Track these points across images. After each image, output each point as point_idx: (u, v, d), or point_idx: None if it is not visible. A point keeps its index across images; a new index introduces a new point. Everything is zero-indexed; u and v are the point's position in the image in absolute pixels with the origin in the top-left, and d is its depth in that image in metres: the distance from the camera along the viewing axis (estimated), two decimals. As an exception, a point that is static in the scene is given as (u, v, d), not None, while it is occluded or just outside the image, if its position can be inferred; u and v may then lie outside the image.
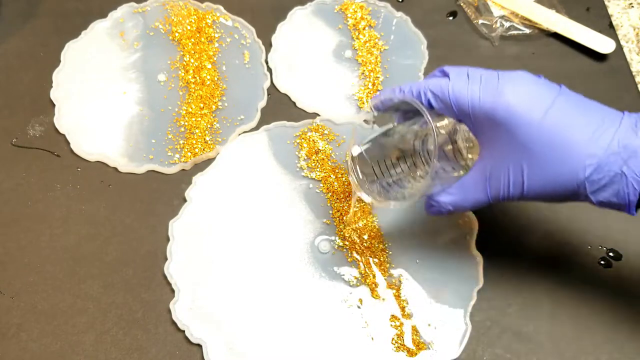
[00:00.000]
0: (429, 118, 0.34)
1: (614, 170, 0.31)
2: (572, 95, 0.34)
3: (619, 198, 0.32)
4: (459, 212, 0.37)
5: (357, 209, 0.45)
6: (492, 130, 0.34)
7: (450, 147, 0.37)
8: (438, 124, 0.36)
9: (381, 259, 0.43)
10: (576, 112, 0.32)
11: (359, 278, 0.43)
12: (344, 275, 0.43)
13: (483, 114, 0.33)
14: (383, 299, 0.42)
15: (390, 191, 0.39)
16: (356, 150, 0.39)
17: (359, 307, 0.42)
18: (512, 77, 0.34)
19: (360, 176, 0.39)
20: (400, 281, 0.42)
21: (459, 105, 0.34)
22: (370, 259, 0.43)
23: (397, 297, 0.42)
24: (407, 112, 0.39)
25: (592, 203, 0.33)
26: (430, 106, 0.35)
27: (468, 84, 0.34)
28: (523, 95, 0.33)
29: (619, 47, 0.54)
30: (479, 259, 0.43)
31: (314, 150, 0.48)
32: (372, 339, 0.40)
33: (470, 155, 0.37)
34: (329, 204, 0.46)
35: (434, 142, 0.33)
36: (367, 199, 0.39)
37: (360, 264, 0.43)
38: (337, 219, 0.45)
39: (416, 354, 0.40)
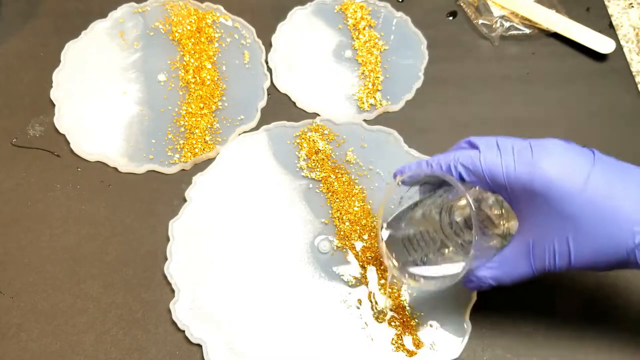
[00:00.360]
0: (462, 189, 0.33)
1: None
2: (607, 159, 0.33)
3: None
4: (500, 286, 0.36)
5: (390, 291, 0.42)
6: (530, 201, 0.33)
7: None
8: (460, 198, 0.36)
9: (381, 259, 0.43)
10: (615, 178, 0.32)
11: (359, 278, 0.43)
12: (343, 275, 0.43)
13: (520, 185, 0.33)
14: (384, 293, 0.42)
15: (430, 269, 0.38)
16: (385, 234, 0.38)
17: (357, 308, 0.42)
18: (545, 146, 0.33)
19: (394, 259, 0.38)
20: (401, 281, 0.42)
21: (493, 177, 0.34)
22: (370, 259, 0.43)
23: (397, 297, 0.42)
24: (432, 184, 0.38)
25: None
26: (461, 179, 0.35)
27: (500, 156, 0.33)
28: (560, 165, 0.32)
29: (619, 47, 0.54)
30: (479, 259, 0.43)
31: (314, 150, 0.48)
32: (372, 339, 0.40)
33: (505, 223, 0.36)
34: (328, 204, 0.46)
35: (474, 217, 0.32)
36: (407, 282, 0.39)
37: (360, 265, 0.43)
38: (337, 218, 0.45)
39: (416, 354, 0.40)
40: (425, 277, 0.37)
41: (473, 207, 0.32)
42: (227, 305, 0.41)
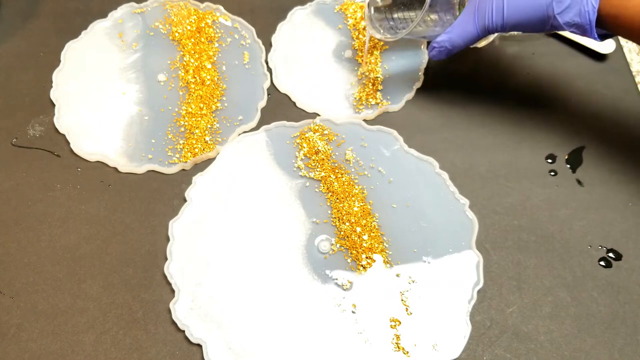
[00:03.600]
0: None
1: None
2: None
3: (581, 17, 0.39)
4: (455, 50, 0.45)
5: (369, 54, 0.52)
6: None
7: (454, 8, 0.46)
8: None
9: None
10: None
11: (359, 280, 0.43)
12: (337, 279, 0.43)
13: None
14: (386, 284, 0.42)
15: (397, 30, 0.49)
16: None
17: (353, 312, 0.42)
18: None
19: (374, 20, 0.49)
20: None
21: None
22: (370, 260, 0.43)
23: (399, 297, 0.42)
24: None
25: (560, 28, 0.40)
26: None
27: None
28: None
29: (619, 47, 0.54)
30: (479, 259, 0.43)
31: (313, 150, 0.48)
32: (371, 341, 0.40)
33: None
34: (328, 204, 0.46)
35: None
36: (378, 35, 0.48)
37: (360, 265, 0.43)
38: (337, 219, 0.45)
39: (415, 354, 0.40)
40: (392, 34, 0.47)
41: None
42: (227, 305, 0.41)
